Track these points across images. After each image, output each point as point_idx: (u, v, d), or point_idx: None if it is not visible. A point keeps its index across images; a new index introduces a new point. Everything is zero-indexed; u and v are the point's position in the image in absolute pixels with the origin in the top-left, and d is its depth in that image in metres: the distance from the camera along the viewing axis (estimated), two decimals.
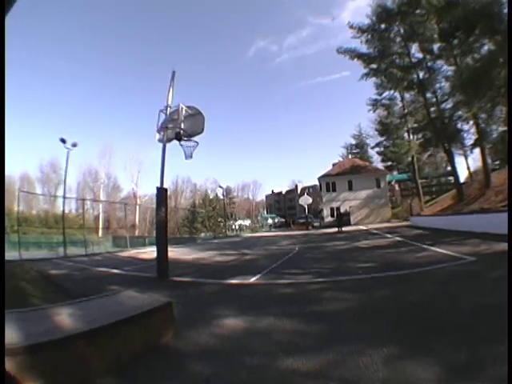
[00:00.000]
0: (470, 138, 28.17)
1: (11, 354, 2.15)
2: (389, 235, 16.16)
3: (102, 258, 12.75)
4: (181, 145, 8.56)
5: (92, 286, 6.75)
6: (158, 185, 8.08)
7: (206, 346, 3.17)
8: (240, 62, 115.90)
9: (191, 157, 8.77)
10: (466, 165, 39.48)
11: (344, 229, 25.93)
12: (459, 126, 27.32)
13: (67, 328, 2.65)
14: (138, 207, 48.11)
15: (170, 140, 8.44)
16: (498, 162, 28.93)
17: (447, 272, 5.95)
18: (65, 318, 2.89)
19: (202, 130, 8.48)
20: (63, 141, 22.89)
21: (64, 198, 23.80)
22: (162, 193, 8.02)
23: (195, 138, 8.67)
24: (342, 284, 5.84)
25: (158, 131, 8.72)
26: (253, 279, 6.89)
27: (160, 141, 8.56)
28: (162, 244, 7.77)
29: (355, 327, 3.46)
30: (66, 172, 24.11)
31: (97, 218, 47.08)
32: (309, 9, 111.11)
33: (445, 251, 8.46)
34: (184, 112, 8.53)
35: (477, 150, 27.19)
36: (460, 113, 25.55)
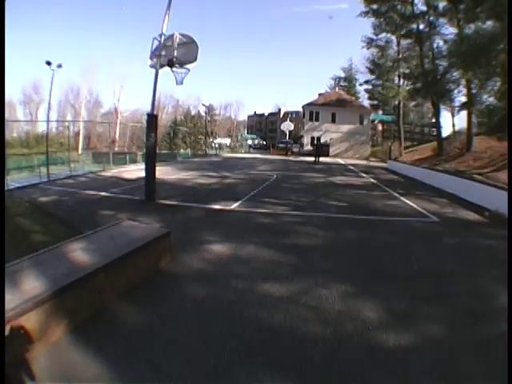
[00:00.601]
0: (459, 99, 28.21)
1: (38, 305, 2.29)
2: (364, 175, 16.88)
3: (87, 179, 12.71)
4: (172, 71, 8.50)
5: (86, 212, 6.94)
6: (149, 110, 8.28)
7: (197, 269, 3.78)
8: None
9: (182, 83, 8.76)
10: (451, 122, 39.84)
11: (321, 159, 26.46)
12: (450, 86, 27.06)
13: (86, 264, 2.91)
14: (118, 123, 46.83)
15: (162, 66, 8.35)
16: (482, 132, 29.34)
17: (409, 227, 6.49)
18: (80, 254, 3.14)
19: (195, 58, 8.37)
20: (48, 63, 21.94)
21: (48, 120, 23.45)
22: (152, 119, 8.16)
23: (187, 66, 8.62)
24: (314, 220, 6.55)
25: (151, 57, 8.54)
26: (234, 205, 7.50)
27: (152, 67, 8.45)
28: (150, 168, 8.07)
29: (321, 262, 4.14)
30: (50, 91, 23.02)
31: (77, 134, 45.53)
32: None
33: (413, 204, 8.92)
34: (178, 40, 8.33)
35: (464, 112, 27.40)
36: (454, 74, 25.16)
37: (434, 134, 35.22)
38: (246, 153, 44.67)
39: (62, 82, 64.52)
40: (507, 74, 11.46)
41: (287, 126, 39.28)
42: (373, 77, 42.34)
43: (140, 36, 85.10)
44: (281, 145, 42.71)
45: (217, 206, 7.35)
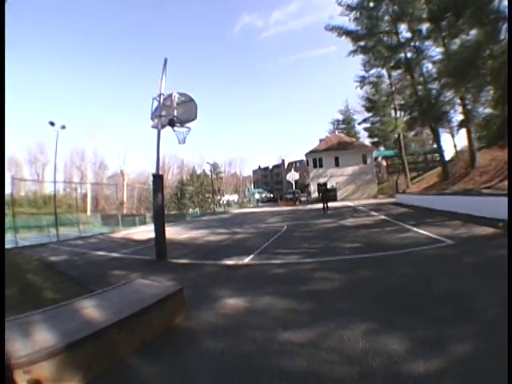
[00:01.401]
0: (456, 118, 28.86)
1: (51, 356, 2.35)
2: (374, 213, 16.88)
3: (96, 240, 13.03)
4: (174, 130, 8.90)
5: (97, 271, 7.10)
6: (154, 171, 8.58)
7: (214, 324, 3.73)
8: (226, 39, 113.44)
9: (184, 142, 9.13)
10: (452, 143, 40.56)
11: (330, 204, 26.50)
12: (445, 107, 27.74)
13: (99, 320, 2.96)
14: (125, 185, 48.20)
15: (163, 126, 8.72)
16: (484, 145, 29.68)
17: (425, 255, 6.50)
18: (92, 310, 3.21)
19: (195, 116, 8.86)
20: (52, 124, 23.49)
21: (54, 181, 25.00)
22: (158, 180, 8.45)
23: (188, 125, 9.04)
24: (329, 264, 6.46)
25: (152, 118, 8.99)
26: (247, 260, 7.48)
27: (154, 127, 8.86)
28: (160, 228, 8.26)
29: (340, 305, 4.07)
30: (55, 154, 24.66)
31: (85, 196, 47.18)
32: None
33: (426, 233, 9.00)
34: (177, 99, 8.86)
35: (463, 130, 27.90)
36: (447, 94, 25.90)
37: (438, 159, 35.57)
38: (254, 207, 45.07)
39: (66, 142, 68.87)
40: (507, 76, 11.65)
41: (292, 176, 39.98)
42: (370, 114, 43.69)
43: (142, 98, 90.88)
44: (288, 195, 43.26)
45: (229, 262, 7.34)
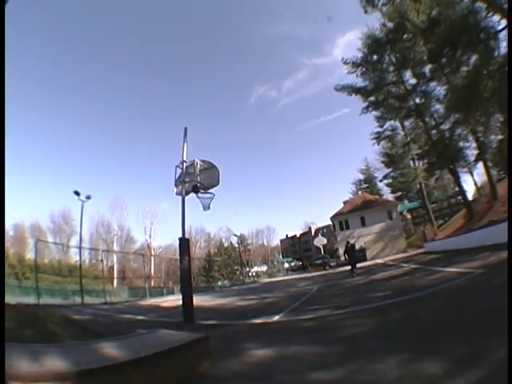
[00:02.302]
0: (472, 153, 28.54)
1: (61, 379, 2.29)
2: (404, 264, 16.28)
3: (122, 306, 12.81)
4: (198, 197, 9.12)
5: (120, 329, 6.90)
6: (180, 235, 8.54)
7: (241, 371, 3.55)
8: (244, 111, 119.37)
9: (209, 208, 9.30)
10: (472, 181, 39.82)
11: (360, 265, 25.53)
12: (460, 144, 27.70)
13: (114, 357, 2.90)
14: (152, 258, 48.46)
15: (187, 193, 8.92)
16: (502, 173, 28.99)
17: (456, 286, 6.32)
18: (110, 350, 3.13)
19: (218, 182, 9.10)
20: (77, 193, 23.05)
21: (80, 248, 24.75)
22: (184, 243, 8.48)
23: (211, 190, 9.28)
24: (360, 312, 6.17)
25: (176, 185, 9.30)
26: (276, 318, 7.19)
27: (178, 194, 9.10)
28: (187, 290, 8.14)
29: (371, 343, 3.84)
30: (81, 223, 24.26)
31: (111, 268, 47.31)
32: (301, 50, 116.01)
33: (455, 269, 8.85)
34: (199, 166, 9.19)
35: (480, 164, 27.54)
36: (459, 131, 25.97)
37: (462, 201, 34.66)
38: (283, 276, 43.95)
39: (91, 214, 66.84)
40: (507, 85, 11.62)
41: (320, 241, 39.45)
42: (390, 170, 43.40)
43: (164, 170, 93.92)
44: (317, 261, 42.34)
45: (258, 321, 7.07)
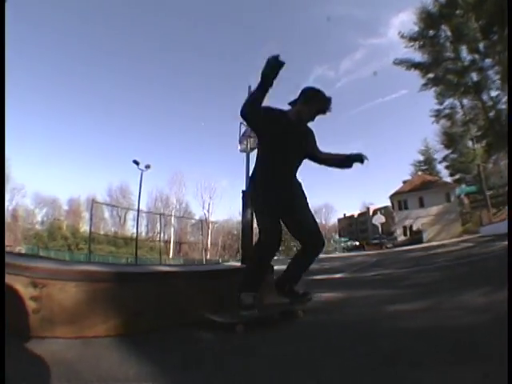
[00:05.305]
0: None
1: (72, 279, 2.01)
2: (462, 244, 15.72)
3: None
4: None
5: None
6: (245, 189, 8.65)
7: (314, 306, 3.64)
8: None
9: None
10: None
11: (415, 246, 24.54)
12: None
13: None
14: (209, 231, 49.28)
15: (252, 149, 8.66)
16: None
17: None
18: None
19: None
20: (136, 162, 22.62)
21: (137, 215, 23.38)
22: (247, 197, 8.53)
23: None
24: (425, 269, 6.15)
25: (240, 141, 9.18)
26: (337, 275, 7.21)
27: (242, 151, 9.03)
28: (247, 242, 8.18)
29: (444, 285, 3.80)
30: (139, 193, 23.40)
31: (167, 241, 47.05)
32: (357, 31, 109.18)
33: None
34: None
35: None
36: None
37: None
38: (340, 253, 43.48)
39: (149, 188, 64.30)
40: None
41: (378, 219, 38.09)
42: (449, 151, 40.78)
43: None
44: (374, 241, 41.31)
45: (323, 276, 7.15)
